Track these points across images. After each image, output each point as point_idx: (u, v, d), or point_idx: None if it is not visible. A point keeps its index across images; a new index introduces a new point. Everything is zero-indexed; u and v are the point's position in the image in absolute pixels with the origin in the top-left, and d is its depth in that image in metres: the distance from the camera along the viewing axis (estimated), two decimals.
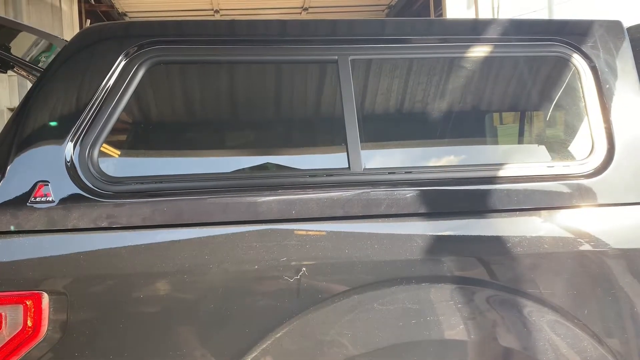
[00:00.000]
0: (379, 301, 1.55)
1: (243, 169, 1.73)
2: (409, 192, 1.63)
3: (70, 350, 1.43)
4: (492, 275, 1.62)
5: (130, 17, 9.26)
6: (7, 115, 6.61)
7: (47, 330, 1.42)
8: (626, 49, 1.86)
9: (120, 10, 8.92)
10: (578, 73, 1.84)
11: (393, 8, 9.35)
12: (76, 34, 1.71)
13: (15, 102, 6.58)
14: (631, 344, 1.67)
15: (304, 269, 1.52)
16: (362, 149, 1.68)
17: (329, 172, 1.68)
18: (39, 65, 2.21)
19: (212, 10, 8.97)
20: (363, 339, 1.53)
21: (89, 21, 7.80)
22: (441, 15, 7.68)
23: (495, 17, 7.43)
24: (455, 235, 1.65)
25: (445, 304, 1.57)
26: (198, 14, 9.10)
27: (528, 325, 1.60)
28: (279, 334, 1.50)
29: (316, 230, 1.59)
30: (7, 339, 1.40)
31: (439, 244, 1.60)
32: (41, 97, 1.60)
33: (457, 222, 1.66)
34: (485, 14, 7.35)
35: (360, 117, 1.70)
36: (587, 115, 1.80)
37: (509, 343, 1.59)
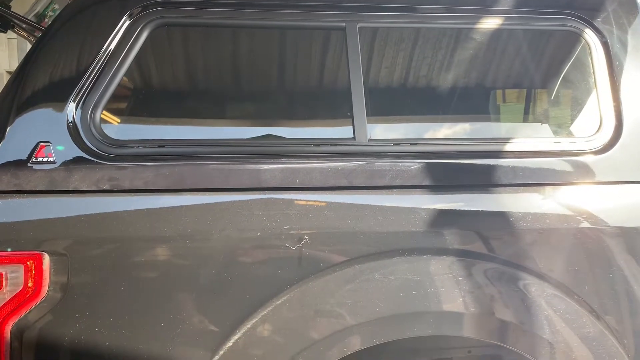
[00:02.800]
0: (380, 271, 1.55)
1: (247, 136, 1.71)
2: (414, 164, 1.62)
3: (70, 311, 1.43)
4: (494, 249, 1.61)
5: None
6: (7, 79, 6.53)
7: (48, 290, 1.42)
8: (638, 24, 1.82)
9: None
10: (589, 48, 1.81)
11: None
12: None
13: (15, 65, 6.49)
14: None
15: (306, 237, 1.52)
16: (367, 120, 1.66)
17: (333, 141, 1.67)
18: (46, 20, 2.15)
19: None
20: (363, 308, 1.53)
21: None
22: None
23: None
24: (458, 209, 1.64)
25: (446, 276, 1.57)
26: None
27: (530, 300, 1.60)
28: (279, 301, 1.50)
29: (319, 200, 1.58)
30: (8, 298, 1.40)
31: (443, 217, 1.59)
32: (42, 56, 1.57)
33: (461, 196, 1.65)
34: None
35: (367, 87, 1.68)
36: (597, 92, 1.78)
37: (508, 317, 1.60)
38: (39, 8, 2.07)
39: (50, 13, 2.12)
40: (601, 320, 1.65)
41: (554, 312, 1.62)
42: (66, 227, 1.46)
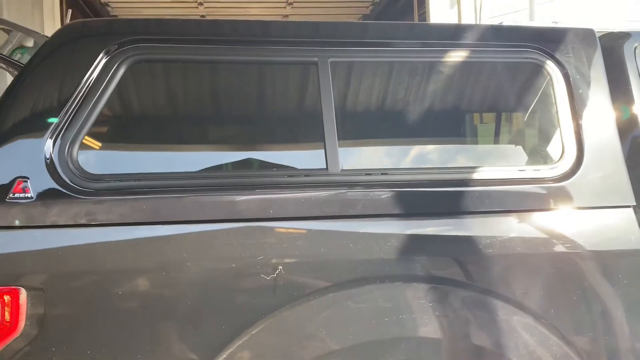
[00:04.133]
0: (354, 299, 1.59)
1: (222, 168, 1.75)
2: (384, 193, 1.67)
3: (47, 345, 1.45)
4: (463, 275, 1.67)
5: (112, 7, 9.15)
6: None
7: (25, 325, 1.44)
8: (598, 56, 1.91)
9: (102, 0, 8.81)
10: (551, 79, 1.90)
11: (377, 5, 9.37)
12: (57, 30, 1.72)
13: None
14: (598, 344, 1.74)
15: (281, 267, 1.56)
16: (340, 151, 1.71)
17: (307, 172, 1.72)
18: (15, 60, 2.20)
19: (196, 2, 8.91)
20: (337, 335, 1.57)
21: (70, 11, 7.69)
22: (424, 13, 7.73)
23: (478, 16, 7.50)
24: (427, 236, 1.69)
25: (417, 302, 1.62)
26: (181, 4, 9.02)
27: (499, 324, 1.65)
28: (255, 331, 1.53)
29: (293, 230, 1.62)
30: None
31: (413, 244, 1.64)
32: (21, 92, 1.61)
33: (429, 223, 1.71)
34: (468, 13, 7.42)
35: (338, 119, 1.74)
36: (559, 121, 1.86)
37: (480, 342, 1.65)
38: (8, 48, 2.11)
39: (19, 55, 2.16)
40: (570, 344, 1.70)
41: (524, 336, 1.67)
42: (43, 262, 1.48)
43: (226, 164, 1.79)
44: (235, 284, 1.56)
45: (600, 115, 1.85)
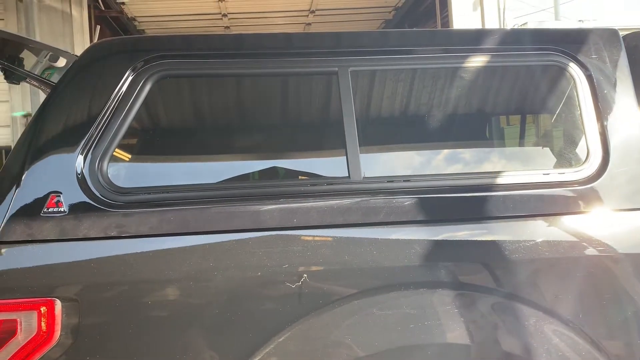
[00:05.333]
0: (379, 306, 1.60)
1: (246, 178, 1.79)
2: (407, 200, 1.68)
3: (82, 354, 1.50)
4: (489, 280, 1.66)
5: (139, 22, 9.36)
6: (20, 122, 6.72)
7: (60, 335, 1.49)
8: (622, 57, 1.89)
9: (129, 15, 9.02)
10: (574, 82, 1.88)
11: (400, 10, 9.37)
12: (85, 49, 1.78)
13: (28, 108, 6.69)
14: (629, 349, 1.71)
15: (305, 275, 1.58)
16: (361, 159, 1.73)
17: (329, 181, 1.74)
18: (45, 78, 2.28)
19: (220, 14, 9.05)
20: (362, 343, 1.58)
21: (98, 27, 7.90)
22: (447, 16, 7.70)
23: (502, 17, 7.43)
24: (451, 242, 1.69)
25: (442, 309, 1.62)
26: (206, 17, 9.17)
27: (527, 330, 1.64)
28: (281, 338, 1.55)
29: (317, 238, 1.64)
30: (23, 343, 1.46)
31: (437, 250, 1.65)
32: (53, 110, 1.67)
33: (453, 229, 1.71)
34: (491, 14, 7.37)
35: (359, 127, 1.76)
36: (583, 123, 1.84)
37: (509, 348, 1.64)
38: (38, 68, 2.20)
39: (48, 74, 2.25)
40: (600, 350, 1.68)
41: (553, 342, 1.65)
42: (77, 273, 1.53)
43: (250, 174, 1.82)
44: (261, 292, 1.58)
45: (626, 116, 1.82)
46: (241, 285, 1.58)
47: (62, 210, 1.56)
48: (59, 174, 1.60)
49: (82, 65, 1.73)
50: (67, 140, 1.64)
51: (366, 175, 1.73)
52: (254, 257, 1.58)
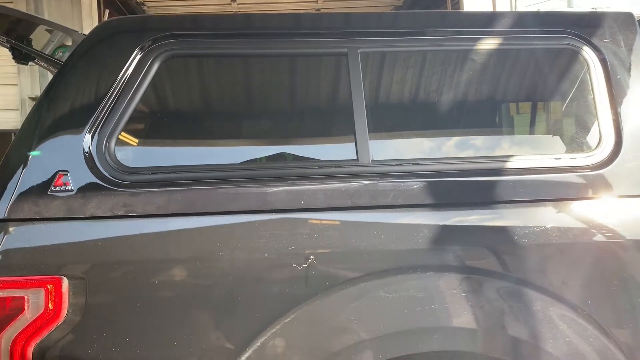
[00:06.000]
0: (385, 289, 1.59)
1: (254, 160, 1.78)
2: (416, 183, 1.67)
3: (88, 332, 1.51)
4: (497, 265, 1.65)
5: (148, 6, 9.33)
6: (29, 104, 6.74)
7: (67, 312, 1.49)
8: (637, 41, 1.86)
9: (138, 0, 8.99)
10: (588, 65, 1.85)
11: None
12: (93, 29, 1.76)
13: (37, 91, 6.70)
14: (638, 335, 1.69)
15: (312, 257, 1.57)
16: (370, 141, 1.71)
17: (337, 163, 1.72)
18: (56, 58, 2.27)
19: (229, 0, 9.00)
20: (369, 325, 1.57)
21: (107, 11, 7.88)
22: (458, 3, 7.61)
23: (513, 3, 7.34)
24: (460, 226, 1.68)
25: (450, 292, 1.61)
26: (215, 2, 9.13)
27: (535, 315, 1.63)
28: (287, 319, 1.55)
29: (324, 220, 1.63)
30: (30, 320, 1.47)
31: (445, 234, 1.63)
32: (60, 89, 1.67)
33: (462, 213, 1.69)
34: (503, 2, 7.27)
35: (369, 109, 1.74)
36: (596, 108, 1.81)
37: (516, 333, 1.63)
38: (50, 48, 2.18)
39: (60, 53, 2.23)
40: (609, 336, 1.66)
41: (560, 327, 1.64)
42: (84, 252, 1.54)
43: (258, 156, 1.81)
44: (268, 273, 1.58)
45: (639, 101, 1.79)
46: (248, 266, 1.57)
47: (69, 188, 1.56)
48: (66, 153, 1.59)
49: (90, 44, 1.72)
50: (74, 119, 1.63)
51: (375, 158, 1.71)
52: (261, 239, 1.58)
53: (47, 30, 2.28)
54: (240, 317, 1.55)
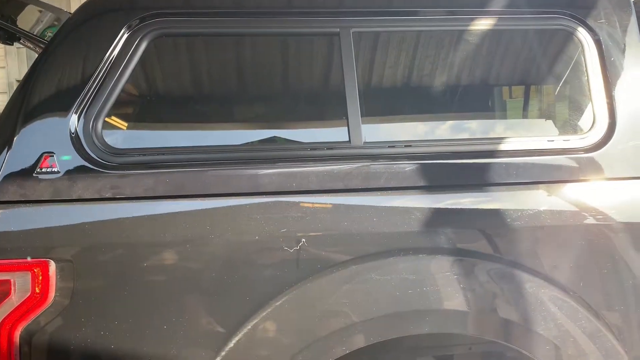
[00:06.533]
0: (377, 272, 1.58)
1: (244, 141, 1.75)
2: (408, 166, 1.65)
3: (76, 316, 1.49)
4: (489, 247, 1.64)
5: None
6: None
7: (55, 296, 1.47)
8: (632, 22, 1.84)
9: None
10: (582, 46, 1.83)
11: None
12: (79, 7, 1.72)
13: (24, 74, 6.58)
14: (628, 317, 1.70)
15: (304, 240, 1.55)
16: (362, 123, 1.69)
17: (329, 145, 1.70)
18: (45, 39, 2.23)
19: None
20: (361, 308, 1.56)
21: None
22: None
23: None
24: (452, 209, 1.66)
25: (442, 275, 1.60)
26: None
27: (526, 298, 1.62)
28: (278, 302, 1.54)
29: (316, 203, 1.61)
30: (17, 304, 1.45)
31: (437, 217, 1.62)
32: (45, 69, 1.63)
33: (454, 195, 1.68)
34: None
35: (361, 91, 1.71)
36: (590, 90, 1.80)
37: (507, 315, 1.62)
38: (39, 28, 2.14)
39: (49, 34, 2.18)
40: (600, 318, 1.66)
41: (551, 309, 1.64)
42: (71, 235, 1.51)
43: (249, 138, 1.78)
44: (259, 256, 1.56)
45: (634, 83, 1.78)
46: (238, 249, 1.56)
47: (55, 170, 1.53)
48: (52, 134, 1.56)
49: (76, 23, 1.68)
50: (60, 99, 1.60)
51: (367, 140, 1.69)
52: (252, 221, 1.56)
53: (37, 10, 2.23)
54: (231, 301, 1.54)
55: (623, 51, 1.81)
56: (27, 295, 1.45)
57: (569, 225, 1.67)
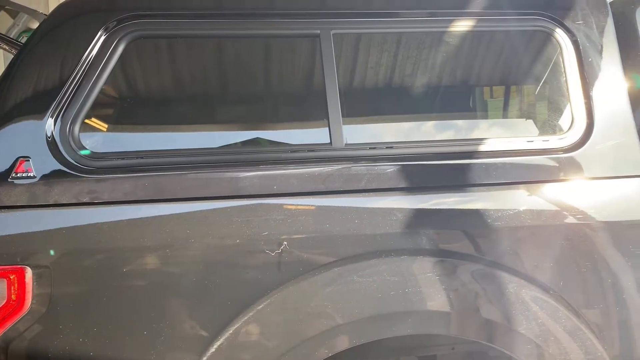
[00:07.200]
0: (359, 273, 1.58)
1: (224, 144, 1.73)
2: (390, 167, 1.65)
3: (54, 323, 1.46)
4: (470, 248, 1.65)
5: None
6: None
7: (32, 303, 1.44)
8: (608, 23, 1.86)
9: None
10: (560, 47, 1.85)
11: None
12: (55, 8, 1.70)
13: None
14: (607, 315, 1.71)
15: (285, 243, 1.54)
16: (344, 124, 1.69)
17: (310, 147, 1.69)
18: (20, 41, 2.19)
19: None
20: (343, 310, 1.56)
21: None
22: None
23: None
24: (434, 210, 1.66)
25: (424, 276, 1.60)
26: None
27: (508, 297, 1.63)
28: (260, 306, 1.53)
29: (297, 205, 1.61)
30: None
31: (418, 218, 1.62)
32: (21, 71, 1.60)
33: (436, 197, 1.68)
34: None
35: (342, 93, 1.71)
36: (568, 90, 1.82)
37: (489, 315, 1.63)
38: (14, 32, 2.10)
39: (25, 37, 2.15)
40: (580, 317, 1.68)
41: (532, 308, 1.65)
42: (48, 241, 1.48)
43: (229, 140, 1.77)
44: (240, 260, 1.55)
45: (611, 84, 1.80)
46: (219, 253, 1.54)
47: (31, 175, 1.50)
48: (28, 138, 1.53)
49: (52, 25, 1.65)
50: (36, 103, 1.57)
51: (348, 142, 1.69)
52: (233, 225, 1.54)
53: (11, 12, 2.19)
54: (212, 305, 1.53)
55: (600, 52, 1.83)
56: (3, 303, 1.42)
57: (549, 225, 1.68)
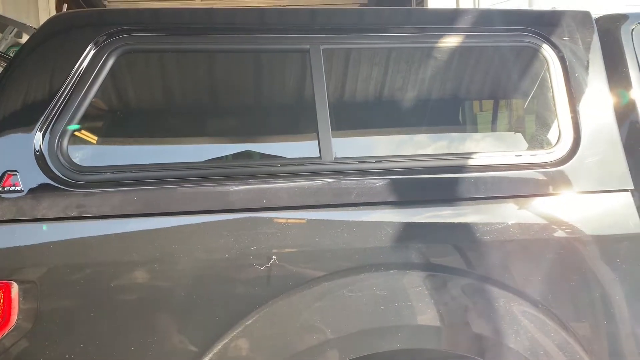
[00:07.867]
0: (349, 288, 1.58)
1: (214, 158, 1.74)
2: (379, 181, 1.66)
3: (41, 339, 1.44)
4: (459, 262, 1.65)
5: (109, 1, 9.09)
6: None
7: (18, 319, 1.43)
8: (595, 39, 1.89)
9: None
10: (547, 63, 1.87)
11: None
12: (44, 22, 1.69)
13: None
14: (596, 329, 1.72)
15: (274, 257, 1.54)
16: (333, 139, 1.69)
17: (300, 161, 1.70)
18: (9, 55, 2.18)
19: None
20: (332, 325, 1.55)
21: (65, 5, 7.64)
22: (422, 3, 7.67)
23: (476, 3, 7.43)
24: (423, 224, 1.67)
25: (413, 290, 1.60)
26: None
27: (497, 312, 1.64)
28: (249, 321, 1.52)
29: (287, 219, 1.61)
30: None
31: (408, 232, 1.62)
32: (9, 85, 1.59)
33: (425, 210, 1.68)
34: (467, 1, 7.35)
35: (331, 107, 1.72)
36: (555, 105, 1.84)
37: (479, 329, 1.63)
38: (3, 46, 2.09)
39: (13, 52, 2.14)
40: (568, 330, 1.68)
41: (522, 322, 1.65)
42: (34, 256, 1.47)
43: (218, 154, 1.77)
44: (229, 274, 1.54)
45: (598, 99, 1.82)
46: (208, 268, 1.53)
47: (18, 189, 1.49)
48: (16, 152, 1.52)
49: (41, 39, 1.65)
50: (24, 116, 1.56)
51: (338, 156, 1.69)
52: (221, 239, 1.54)
53: (0, 25, 2.19)
54: (201, 320, 1.51)
55: (586, 68, 1.85)
56: None
57: (537, 239, 1.69)
